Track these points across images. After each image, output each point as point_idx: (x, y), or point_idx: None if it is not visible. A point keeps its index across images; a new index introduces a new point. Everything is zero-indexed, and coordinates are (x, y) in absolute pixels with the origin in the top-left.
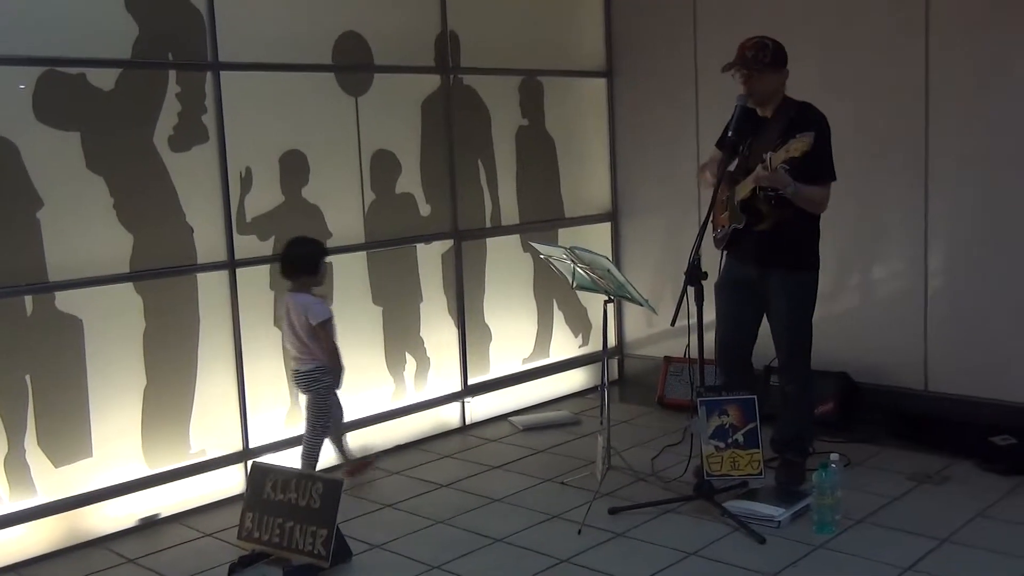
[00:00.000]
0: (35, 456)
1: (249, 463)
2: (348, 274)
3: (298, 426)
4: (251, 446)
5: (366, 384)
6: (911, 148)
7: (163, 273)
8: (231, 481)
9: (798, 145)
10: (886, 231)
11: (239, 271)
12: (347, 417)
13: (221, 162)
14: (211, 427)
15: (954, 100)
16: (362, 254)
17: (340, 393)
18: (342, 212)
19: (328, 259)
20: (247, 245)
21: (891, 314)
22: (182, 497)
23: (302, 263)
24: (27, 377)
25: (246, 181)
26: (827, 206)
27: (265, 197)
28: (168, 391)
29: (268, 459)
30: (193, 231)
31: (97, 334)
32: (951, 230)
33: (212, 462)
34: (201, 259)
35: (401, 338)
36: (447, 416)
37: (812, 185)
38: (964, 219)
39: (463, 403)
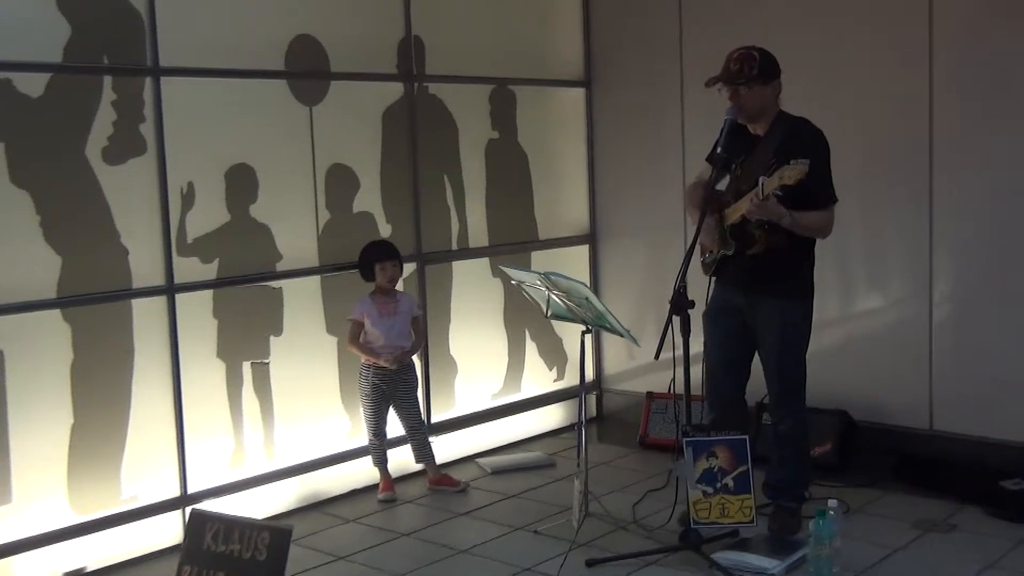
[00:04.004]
0: None
1: (187, 510)
2: (300, 300)
3: (241, 468)
4: (190, 491)
5: (319, 422)
6: (915, 169)
7: (94, 299)
8: (167, 530)
9: (792, 173)
10: (887, 257)
11: (179, 297)
12: (304, 457)
13: (160, 177)
14: (146, 470)
15: (960, 119)
16: (316, 278)
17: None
18: (294, 232)
19: (379, 264)
20: (188, 268)
21: (893, 347)
22: (112, 548)
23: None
24: None
25: (188, 198)
26: (832, 229)
27: (209, 215)
28: (98, 430)
29: (209, 505)
30: (128, 252)
31: (20, 366)
32: (957, 256)
33: (146, 509)
34: (137, 283)
35: (357, 372)
36: (408, 457)
37: (812, 211)
38: (971, 244)
39: None
